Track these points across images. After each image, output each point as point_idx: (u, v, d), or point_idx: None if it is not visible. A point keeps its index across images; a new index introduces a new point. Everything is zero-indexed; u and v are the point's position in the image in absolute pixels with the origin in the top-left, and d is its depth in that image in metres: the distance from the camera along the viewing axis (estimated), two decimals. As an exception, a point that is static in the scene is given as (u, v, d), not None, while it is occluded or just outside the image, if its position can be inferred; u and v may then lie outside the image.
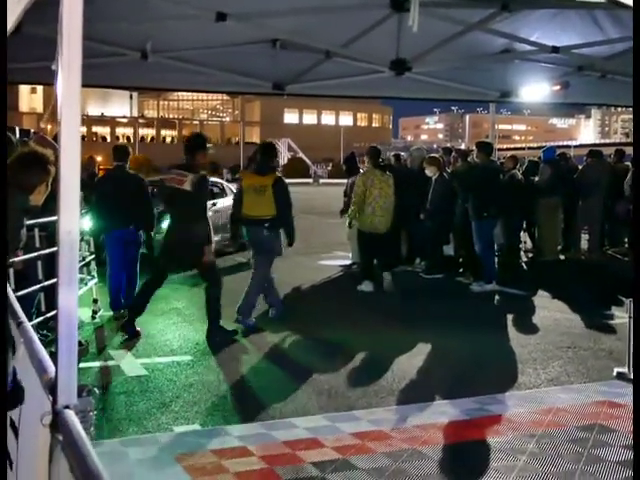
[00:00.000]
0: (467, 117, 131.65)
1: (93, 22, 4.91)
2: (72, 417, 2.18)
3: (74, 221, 2.21)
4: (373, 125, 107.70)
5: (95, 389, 6.01)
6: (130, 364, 7.83)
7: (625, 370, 7.07)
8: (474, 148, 12.99)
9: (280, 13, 4.85)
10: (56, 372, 2.27)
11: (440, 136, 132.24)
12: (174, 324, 9.57)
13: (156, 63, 5.37)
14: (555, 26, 5.24)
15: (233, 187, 19.51)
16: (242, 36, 5.21)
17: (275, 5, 4.77)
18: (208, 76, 5.71)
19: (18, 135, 15.32)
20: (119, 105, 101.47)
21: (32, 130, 11.89)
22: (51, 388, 2.30)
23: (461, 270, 13.43)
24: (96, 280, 10.34)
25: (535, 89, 6.54)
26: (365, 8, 4.75)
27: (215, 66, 5.63)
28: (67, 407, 2.26)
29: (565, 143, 43.96)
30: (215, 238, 15.34)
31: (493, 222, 12.10)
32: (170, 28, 5.01)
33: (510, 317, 10.24)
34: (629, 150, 19.52)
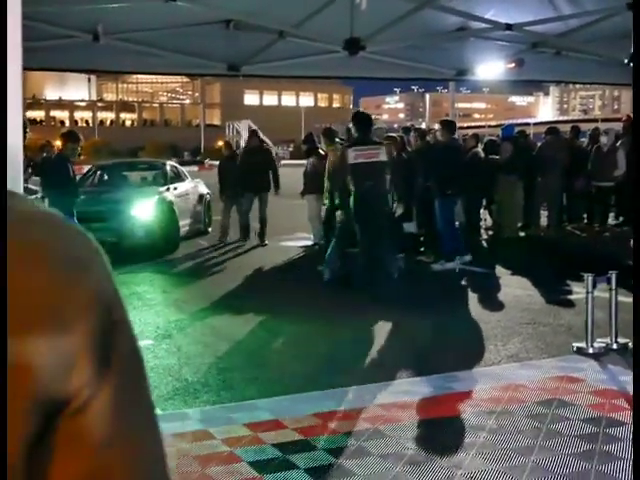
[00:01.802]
0: (427, 96, 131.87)
1: (41, 3, 4.81)
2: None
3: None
4: (334, 105, 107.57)
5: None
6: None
7: (583, 345, 7.15)
8: (436, 127, 13.05)
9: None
10: None
11: (401, 115, 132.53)
12: (135, 308, 9.50)
13: (108, 45, 5.27)
14: (508, 4, 5.24)
15: (186, 170, 19.11)
16: (195, 17, 5.13)
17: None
18: (161, 58, 5.61)
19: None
20: (77, 89, 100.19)
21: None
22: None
23: (422, 249, 13.46)
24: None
25: (491, 67, 6.54)
26: (318, -14, 4.72)
27: (169, 48, 5.53)
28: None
29: (524, 121, 44.25)
30: (182, 222, 15.19)
31: (455, 200, 12.16)
32: (120, 9, 4.92)
33: (471, 294, 10.33)
34: (584, 126, 19.78)
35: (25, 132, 9.50)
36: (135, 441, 0.71)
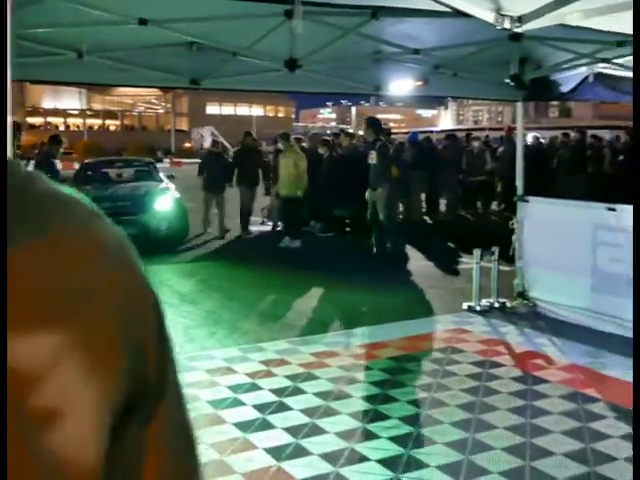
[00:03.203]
0: (353, 109, 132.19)
1: (34, 26, 4.65)
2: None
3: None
4: (279, 115, 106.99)
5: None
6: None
7: (472, 304, 7.23)
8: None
9: (193, 20, 4.69)
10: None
11: (333, 124, 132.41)
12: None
13: (91, 62, 5.12)
14: (416, 32, 5.22)
15: (160, 165, 18.03)
16: (164, 39, 5.01)
17: (189, 13, 4.61)
18: (135, 73, 5.47)
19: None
20: (70, 99, 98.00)
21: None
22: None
23: (348, 229, 13.44)
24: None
25: (402, 84, 6.53)
26: (264, 16, 4.63)
27: (141, 64, 5.39)
28: None
29: (429, 129, 44.68)
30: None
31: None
32: (101, 32, 4.78)
33: (388, 266, 10.34)
34: (476, 134, 19.97)
35: (20, 134, 9.42)
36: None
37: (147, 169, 14.32)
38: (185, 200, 12.75)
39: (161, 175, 13.91)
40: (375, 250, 10.88)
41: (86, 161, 15.26)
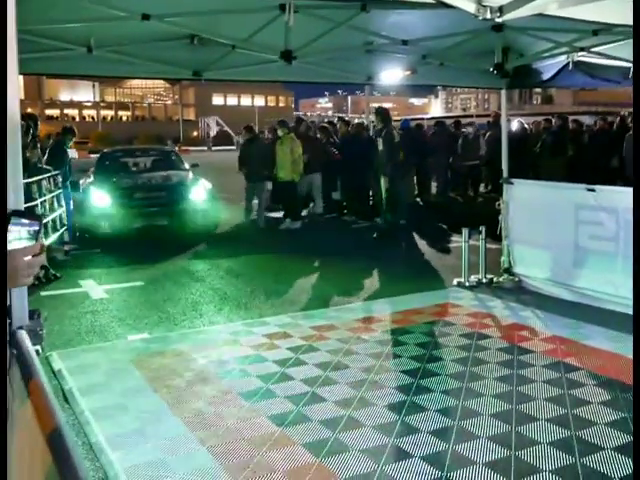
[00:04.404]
0: (349, 98, 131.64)
1: (46, 23, 4.60)
2: (23, 335, 2.04)
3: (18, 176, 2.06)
4: (280, 105, 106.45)
5: (45, 312, 5.68)
6: (94, 290, 7.58)
7: (462, 280, 7.21)
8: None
9: (192, 14, 4.63)
10: (10, 300, 2.13)
11: (330, 112, 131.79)
12: (130, 258, 9.29)
13: (99, 56, 5.06)
14: (404, 24, 5.15)
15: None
16: (166, 33, 4.95)
17: (189, 7, 4.55)
18: (141, 65, 5.41)
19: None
20: (85, 92, 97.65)
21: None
22: (8, 312, 2.15)
23: (345, 211, 13.39)
24: (65, 227, 9.93)
25: (392, 74, 6.47)
26: (260, 10, 4.57)
27: (145, 57, 5.33)
28: (20, 328, 2.12)
29: (420, 116, 44.47)
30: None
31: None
32: (107, 27, 4.72)
33: (382, 245, 10.31)
34: (464, 120, 19.85)
35: (36, 125, 9.53)
36: None
37: (171, 158, 13.12)
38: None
39: (185, 164, 12.83)
40: (378, 228, 10.94)
41: (106, 150, 13.96)
